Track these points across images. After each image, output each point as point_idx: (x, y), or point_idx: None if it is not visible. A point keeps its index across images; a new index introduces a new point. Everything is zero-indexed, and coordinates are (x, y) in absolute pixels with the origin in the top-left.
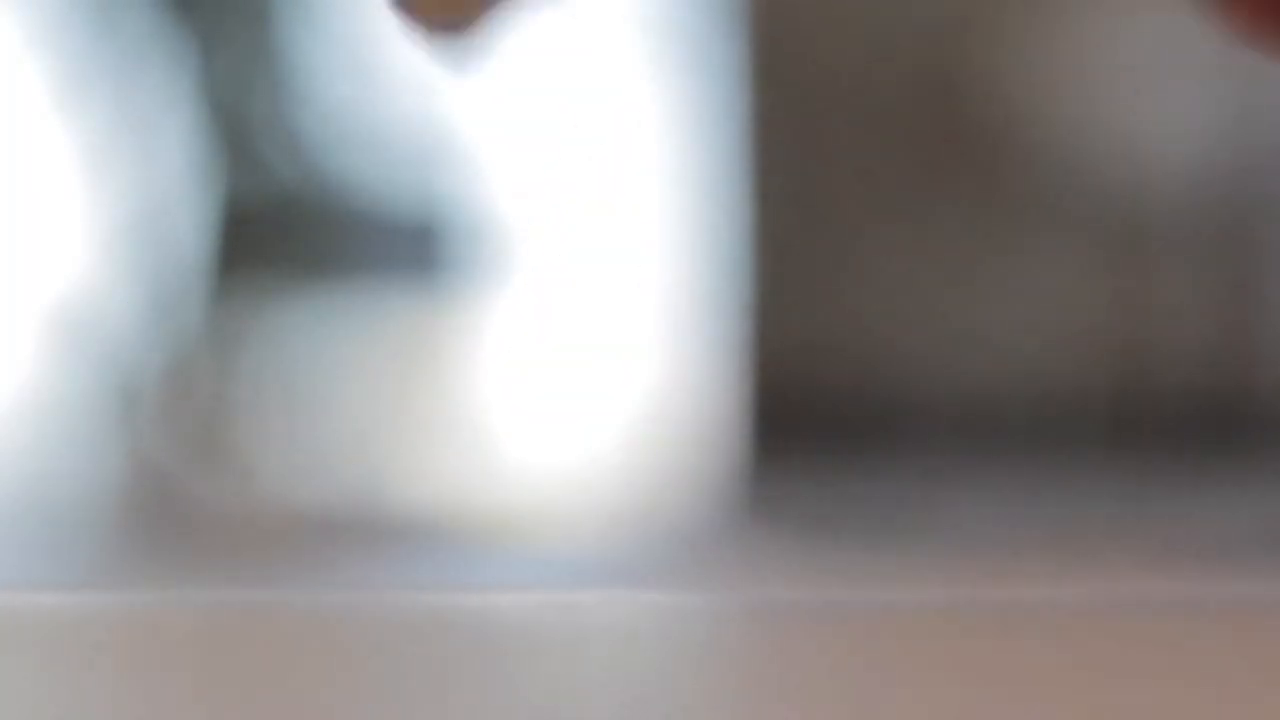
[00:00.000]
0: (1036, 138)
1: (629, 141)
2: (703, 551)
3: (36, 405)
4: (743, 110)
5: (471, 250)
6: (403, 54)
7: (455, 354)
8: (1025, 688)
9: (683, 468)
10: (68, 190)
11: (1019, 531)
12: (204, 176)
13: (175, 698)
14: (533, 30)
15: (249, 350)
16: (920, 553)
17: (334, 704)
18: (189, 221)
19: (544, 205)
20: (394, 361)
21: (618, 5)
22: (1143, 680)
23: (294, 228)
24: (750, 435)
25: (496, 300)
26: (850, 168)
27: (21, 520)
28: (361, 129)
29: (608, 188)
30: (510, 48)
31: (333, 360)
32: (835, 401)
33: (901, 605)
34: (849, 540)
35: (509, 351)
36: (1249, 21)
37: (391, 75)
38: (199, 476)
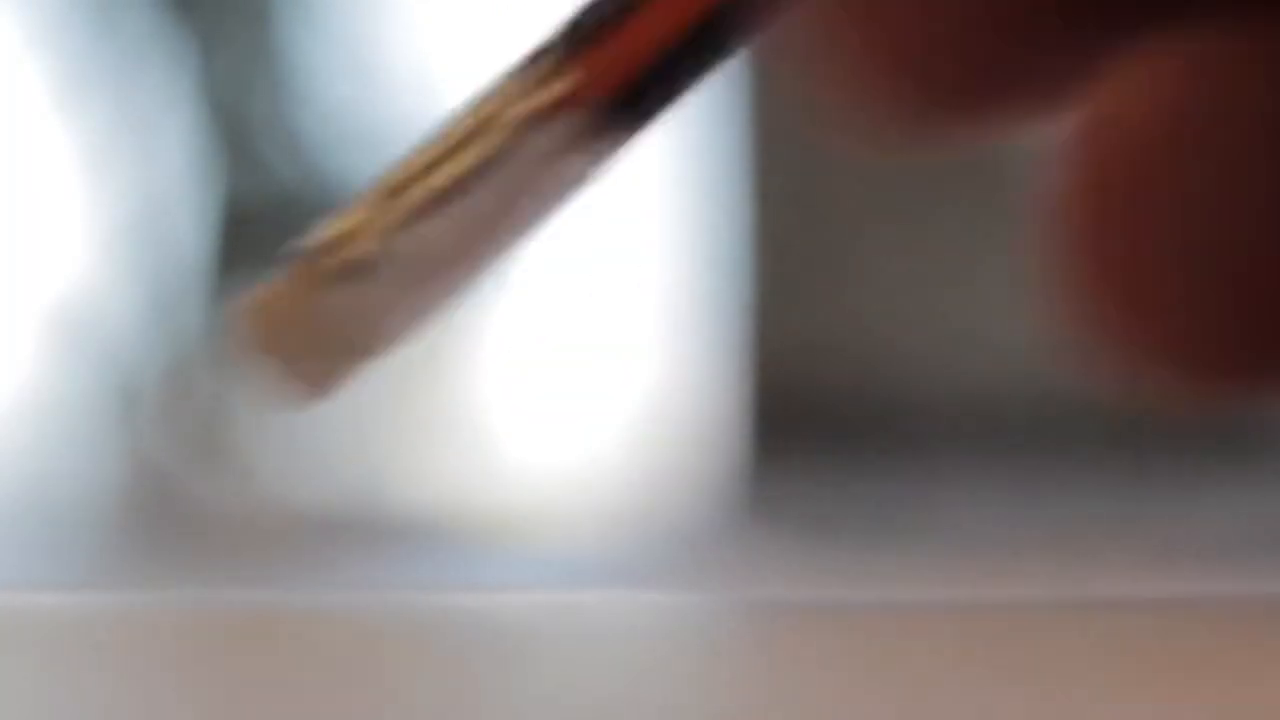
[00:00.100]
0: (1037, 138)
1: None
2: (703, 551)
3: (36, 405)
4: (743, 110)
5: None
6: (403, 54)
7: (455, 354)
8: (1026, 688)
9: (683, 468)
10: (68, 190)
11: (1019, 531)
12: (204, 176)
13: (175, 698)
14: (533, 30)
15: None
16: (920, 553)
17: (334, 704)
18: (189, 221)
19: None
20: (394, 361)
21: None
22: (1143, 680)
23: (294, 228)
24: (750, 435)
25: (496, 300)
26: (850, 168)
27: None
28: (361, 129)
29: (607, 187)
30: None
31: None
32: (835, 401)
33: (901, 605)
34: (849, 540)
35: (509, 351)
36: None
37: (391, 75)
38: (199, 476)
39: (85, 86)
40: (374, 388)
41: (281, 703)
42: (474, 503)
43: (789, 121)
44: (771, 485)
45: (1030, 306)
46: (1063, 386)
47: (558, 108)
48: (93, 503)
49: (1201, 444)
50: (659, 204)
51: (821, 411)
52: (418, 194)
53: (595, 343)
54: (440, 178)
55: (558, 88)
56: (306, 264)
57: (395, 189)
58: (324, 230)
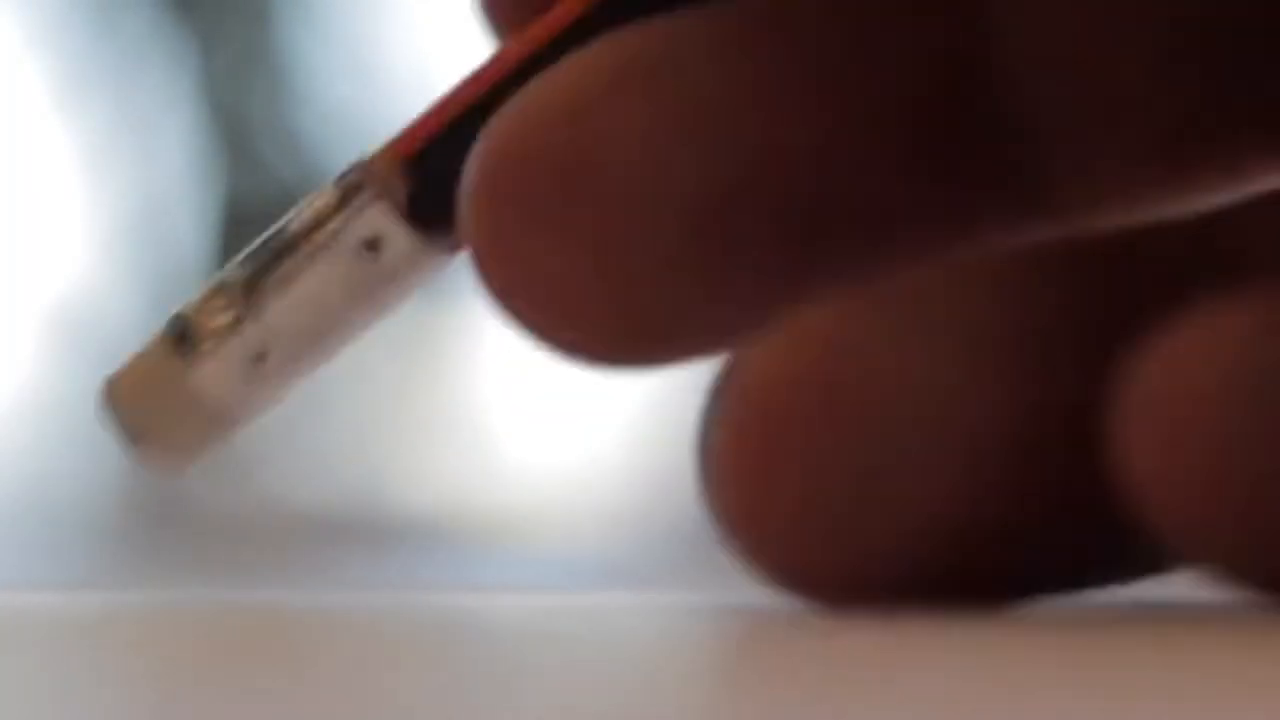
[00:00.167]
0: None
1: None
2: (703, 551)
3: (36, 405)
4: None
5: None
6: (403, 54)
7: (455, 354)
8: (1026, 688)
9: (683, 468)
10: (68, 190)
11: None
12: (204, 176)
13: (175, 698)
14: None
15: None
16: None
17: (334, 704)
18: (189, 221)
19: None
20: (394, 361)
21: None
22: (1143, 680)
23: None
24: None
25: None
26: None
27: (21, 520)
28: (361, 129)
29: None
30: None
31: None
32: None
33: (900, 605)
34: None
35: (509, 351)
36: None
37: (391, 75)
38: (199, 476)
39: (85, 86)
40: (374, 388)
41: (282, 702)
42: (474, 503)
43: None
44: None
45: None
46: None
47: (355, 190)
48: (93, 503)
49: None
50: None
51: None
52: (267, 276)
53: None
54: (284, 262)
55: (353, 178)
56: (166, 339)
57: (249, 272)
58: (184, 306)
